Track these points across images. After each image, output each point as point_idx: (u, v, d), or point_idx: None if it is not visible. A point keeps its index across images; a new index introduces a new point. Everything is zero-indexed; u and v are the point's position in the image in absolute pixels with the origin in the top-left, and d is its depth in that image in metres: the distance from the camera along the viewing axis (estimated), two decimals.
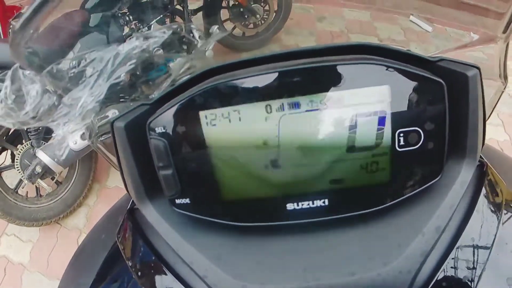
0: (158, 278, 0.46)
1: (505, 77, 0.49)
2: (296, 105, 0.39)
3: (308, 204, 0.42)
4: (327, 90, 0.38)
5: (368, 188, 0.41)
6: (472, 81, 0.39)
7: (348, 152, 0.40)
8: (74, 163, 2.19)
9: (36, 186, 2.13)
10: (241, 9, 2.95)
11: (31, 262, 2.11)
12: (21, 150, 2.01)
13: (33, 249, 2.15)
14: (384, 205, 0.41)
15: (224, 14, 3.01)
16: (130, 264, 0.48)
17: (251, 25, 3.19)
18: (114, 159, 0.53)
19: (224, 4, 2.93)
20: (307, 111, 0.39)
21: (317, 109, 0.39)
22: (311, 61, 0.40)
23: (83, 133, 1.93)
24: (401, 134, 0.39)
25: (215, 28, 2.71)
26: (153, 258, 0.46)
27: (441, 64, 0.41)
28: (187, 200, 0.43)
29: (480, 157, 0.45)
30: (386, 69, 0.38)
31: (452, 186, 0.41)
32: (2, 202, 2.02)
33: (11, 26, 3.79)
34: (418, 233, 0.39)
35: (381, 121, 0.39)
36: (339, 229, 0.42)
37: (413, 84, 0.38)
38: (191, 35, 2.46)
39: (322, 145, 0.40)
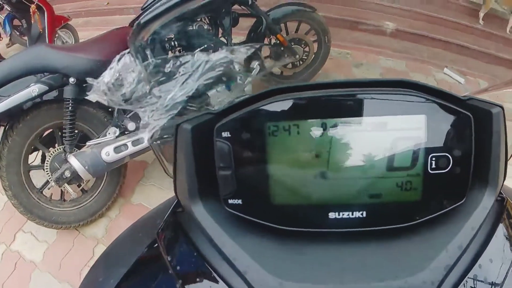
0: (197, 274, 0.48)
1: None
2: (347, 125, 0.43)
3: (348, 215, 0.45)
4: (373, 114, 0.43)
5: (401, 205, 0.45)
6: (495, 117, 0.44)
7: (387, 171, 0.44)
8: (102, 174, 2.23)
9: (62, 190, 2.19)
10: (282, 48, 3.02)
11: (43, 262, 2.13)
12: (53, 152, 2.08)
13: (48, 250, 2.18)
14: (415, 222, 0.45)
15: (265, 51, 3.07)
16: (169, 259, 0.50)
17: (290, 65, 3.27)
18: (167, 163, 0.58)
19: (266, 41, 3.00)
20: (355, 131, 0.43)
21: (364, 130, 0.43)
22: (362, 89, 0.45)
23: (116, 147, 2.01)
24: (433, 158, 0.43)
25: (255, 64, 2.79)
26: (194, 254, 0.48)
27: (470, 102, 0.45)
28: (240, 201, 0.46)
29: (501, 192, 0.49)
30: (424, 101, 0.43)
31: (475, 211, 0.44)
32: (26, 199, 2.08)
33: (57, 35, 3.94)
34: (443, 249, 0.42)
35: (417, 145, 0.43)
36: (373, 240, 0.46)
37: (445, 115, 0.43)
38: (232, 68, 2.54)
39: (366, 162, 0.44)
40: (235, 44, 2.64)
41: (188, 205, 0.48)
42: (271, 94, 0.47)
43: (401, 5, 5.19)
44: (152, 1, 2.19)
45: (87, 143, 2.05)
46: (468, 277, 0.43)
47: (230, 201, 0.46)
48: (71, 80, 1.92)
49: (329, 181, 0.45)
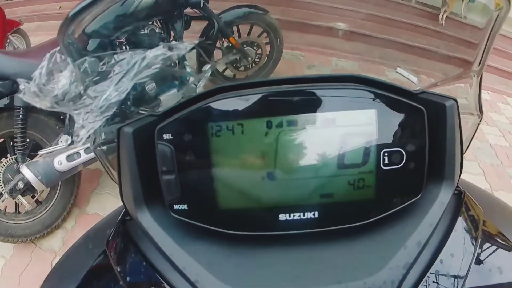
0: (148, 285, 0.46)
1: (481, 110, 0.53)
2: (294, 123, 0.42)
3: (299, 216, 0.44)
4: (321, 110, 0.42)
5: (355, 204, 0.44)
6: (449, 110, 0.43)
7: (338, 169, 0.43)
8: (56, 184, 2.18)
9: (16, 202, 2.13)
10: (234, 51, 3.04)
11: (2, 278, 2.07)
12: (5, 163, 2.02)
13: (5, 266, 2.12)
14: (370, 220, 0.44)
15: (217, 54, 3.08)
16: (119, 269, 0.48)
17: (242, 68, 3.28)
18: (112, 169, 0.57)
19: (218, 44, 3.01)
20: (303, 129, 0.42)
21: (312, 128, 0.42)
22: (309, 84, 0.44)
23: (69, 155, 1.98)
24: (386, 154, 0.43)
25: (207, 67, 2.81)
26: (144, 264, 0.46)
27: (422, 96, 0.45)
28: (185, 206, 0.44)
29: (458, 186, 0.48)
30: (374, 96, 0.42)
31: (432, 206, 0.44)
32: None
33: (8, 40, 3.83)
34: (401, 247, 0.41)
35: (368, 141, 0.42)
36: (328, 241, 0.44)
37: (397, 109, 0.42)
38: (184, 71, 2.55)
39: (315, 161, 0.43)
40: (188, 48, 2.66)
41: (134, 212, 0.46)
42: (216, 93, 0.46)
43: (354, 7, 5.33)
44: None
45: (39, 152, 2.01)
46: (430, 273, 0.42)
47: (176, 207, 0.45)
48: (22, 87, 1.87)
49: (277, 182, 0.44)
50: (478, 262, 0.45)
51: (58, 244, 2.22)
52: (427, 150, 0.44)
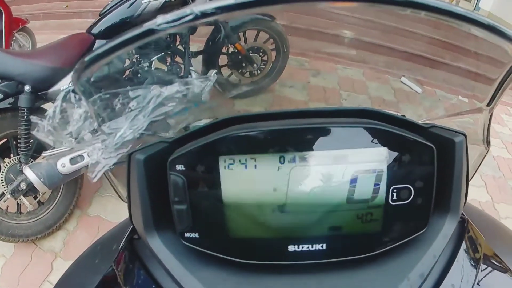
0: None
1: (488, 143, 0.54)
2: (307, 159, 0.43)
3: (308, 247, 0.45)
4: (334, 148, 0.43)
5: (362, 236, 0.45)
6: (458, 146, 0.45)
7: (347, 203, 0.44)
8: (59, 186, 2.18)
9: (17, 202, 2.12)
10: (240, 57, 3.05)
11: (2, 277, 2.06)
12: (8, 163, 2.02)
13: (5, 265, 2.11)
14: (375, 252, 0.45)
15: (222, 60, 3.09)
16: None
17: (248, 74, 3.30)
18: (120, 188, 0.57)
19: (224, 50, 3.01)
20: (315, 165, 0.43)
21: (324, 164, 0.43)
22: (322, 121, 0.46)
23: (72, 158, 1.96)
24: (395, 190, 0.44)
25: (213, 73, 2.78)
26: (153, 286, 0.47)
27: (432, 130, 0.47)
28: (196, 235, 0.45)
29: (462, 214, 0.49)
30: (386, 134, 0.43)
31: (436, 238, 0.45)
32: None
33: (14, 38, 3.83)
34: (404, 278, 0.43)
35: (378, 178, 0.43)
36: (335, 271, 0.45)
37: (408, 147, 0.43)
38: (190, 76, 2.56)
39: (325, 195, 0.43)
40: (193, 54, 2.67)
41: (144, 235, 0.47)
42: (226, 124, 0.47)
43: (360, 15, 5.34)
44: (110, 7, 2.19)
45: (43, 154, 1.97)
46: None
47: (187, 235, 0.45)
48: (27, 88, 1.88)
49: (287, 214, 0.44)
50: None
51: (59, 245, 2.21)
52: (434, 186, 0.44)
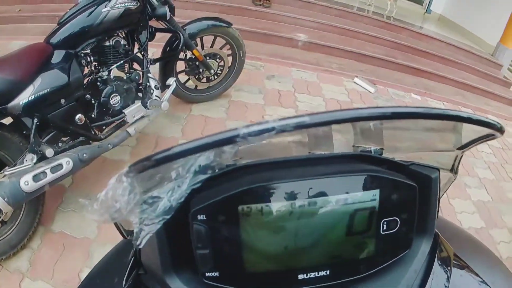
0: None
1: (456, 172, 0.62)
2: (314, 204, 0.49)
3: (315, 274, 0.51)
4: (337, 193, 0.49)
5: (359, 260, 0.52)
6: (434, 181, 0.55)
7: (346, 236, 0.51)
8: (22, 204, 2.06)
9: None
10: (197, 63, 3.07)
11: None
12: None
13: None
14: (369, 272, 0.53)
15: (179, 65, 3.11)
16: None
17: (204, 79, 3.32)
18: (123, 226, 0.58)
19: (181, 56, 3.02)
20: (321, 207, 0.49)
21: (328, 207, 0.49)
22: (325, 170, 0.53)
23: (35, 175, 1.90)
24: (385, 222, 0.52)
25: (172, 81, 2.84)
26: None
27: (412, 168, 0.56)
28: (217, 274, 0.49)
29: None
30: (378, 178, 0.51)
31: (416, 255, 0.55)
32: None
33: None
34: None
35: (372, 214, 0.51)
36: None
37: (395, 187, 0.51)
38: (148, 84, 2.57)
39: (329, 231, 0.50)
40: (151, 61, 2.68)
41: (160, 276, 0.51)
42: (239, 170, 0.53)
43: (314, 18, 5.47)
44: (69, 17, 2.14)
45: (4, 172, 1.92)
46: None
47: (208, 274, 0.49)
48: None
49: (297, 249, 0.50)
50: None
51: (25, 265, 2.10)
52: (416, 216, 0.54)
